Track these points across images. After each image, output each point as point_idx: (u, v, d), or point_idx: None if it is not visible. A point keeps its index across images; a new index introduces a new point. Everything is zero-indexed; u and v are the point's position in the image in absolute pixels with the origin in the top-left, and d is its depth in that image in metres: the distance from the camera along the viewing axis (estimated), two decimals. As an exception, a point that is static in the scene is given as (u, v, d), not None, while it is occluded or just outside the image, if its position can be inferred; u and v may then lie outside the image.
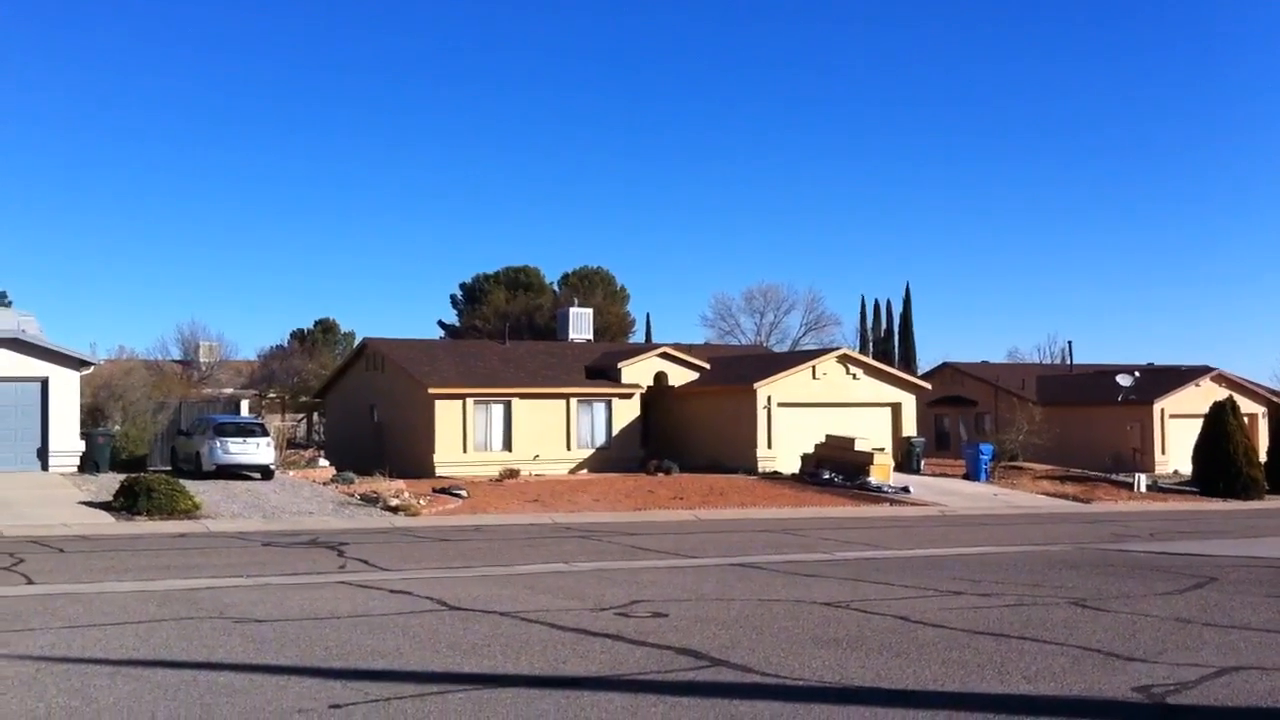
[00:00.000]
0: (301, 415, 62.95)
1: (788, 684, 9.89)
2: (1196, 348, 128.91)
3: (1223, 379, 50.46)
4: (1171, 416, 49.32)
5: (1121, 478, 43.78)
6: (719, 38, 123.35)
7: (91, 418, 37.32)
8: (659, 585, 16.48)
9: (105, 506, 27.57)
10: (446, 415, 41.05)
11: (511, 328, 56.45)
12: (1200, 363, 53.15)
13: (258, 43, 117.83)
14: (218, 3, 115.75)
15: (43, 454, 34.84)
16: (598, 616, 13.40)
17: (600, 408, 43.68)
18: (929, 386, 49.11)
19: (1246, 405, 47.93)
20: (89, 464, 34.62)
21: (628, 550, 22.17)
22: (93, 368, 37.11)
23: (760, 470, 40.79)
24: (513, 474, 38.17)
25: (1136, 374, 51.98)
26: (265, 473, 33.81)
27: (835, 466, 39.05)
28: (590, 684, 9.79)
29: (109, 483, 30.15)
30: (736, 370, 45.82)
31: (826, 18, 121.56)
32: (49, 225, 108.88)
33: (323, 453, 45.50)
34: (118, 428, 37.41)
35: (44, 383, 35.05)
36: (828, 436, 40.65)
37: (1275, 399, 52.16)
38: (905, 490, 37.14)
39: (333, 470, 37.40)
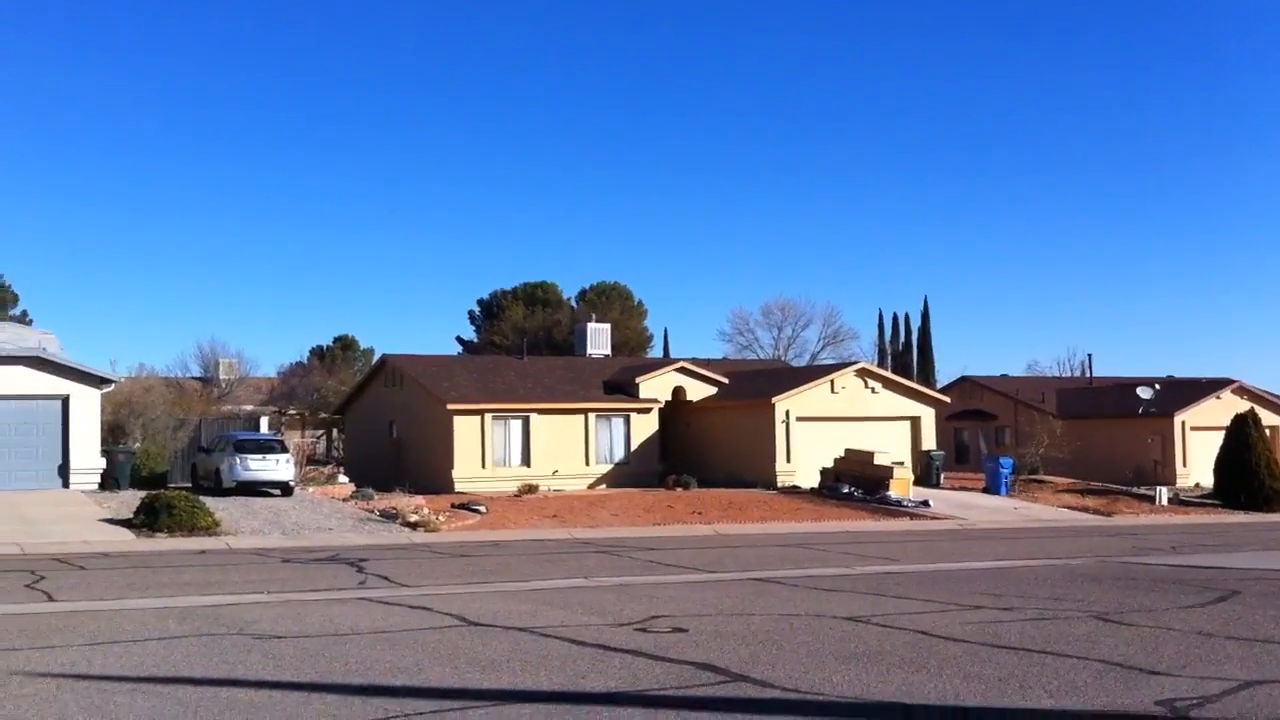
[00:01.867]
0: (321, 431, 63.12)
1: (809, 699, 9.85)
2: (1217, 360, 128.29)
3: (1244, 391, 50.21)
4: (1192, 429, 49.09)
5: (1143, 491, 43.55)
6: (736, 53, 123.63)
7: (112, 435, 37.48)
8: (678, 600, 16.45)
9: (126, 524, 27.65)
10: (465, 431, 41.10)
11: (529, 343, 56.46)
12: (1221, 375, 52.92)
13: (278, 61, 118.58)
14: (239, 20, 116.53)
15: (64, 471, 34.98)
16: (617, 632, 13.37)
17: (619, 423, 43.68)
18: (948, 400, 48.98)
19: (1268, 417, 47.65)
20: (109, 481, 34.75)
21: (647, 565, 22.14)
22: (113, 385, 37.26)
23: (779, 485, 40.71)
24: (531, 489, 38.17)
25: (1157, 386, 51.78)
26: (285, 489, 33.89)
27: (854, 481, 38.96)
28: (610, 700, 9.77)
29: (129, 500, 30.25)
30: (755, 385, 45.77)
31: (843, 32, 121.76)
32: (70, 244, 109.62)
33: (342, 469, 45.55)
34: (138, 445, 37.56)
35: (65, 400, 35.21)
36: (847, 450, 40.56)
37: (1298, 411, 51.89)
38: (925, 504, 37.02)
39: (352, 486, 37.46)
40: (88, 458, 35.13)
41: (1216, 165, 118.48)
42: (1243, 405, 45.73)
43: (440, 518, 30.89)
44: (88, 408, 35.44)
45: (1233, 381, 50.97)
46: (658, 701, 9.76)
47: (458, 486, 39.36)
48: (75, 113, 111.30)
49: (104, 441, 36.19)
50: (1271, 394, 52.30)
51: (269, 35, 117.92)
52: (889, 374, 48.65)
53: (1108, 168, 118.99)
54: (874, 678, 10.67)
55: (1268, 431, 44.53)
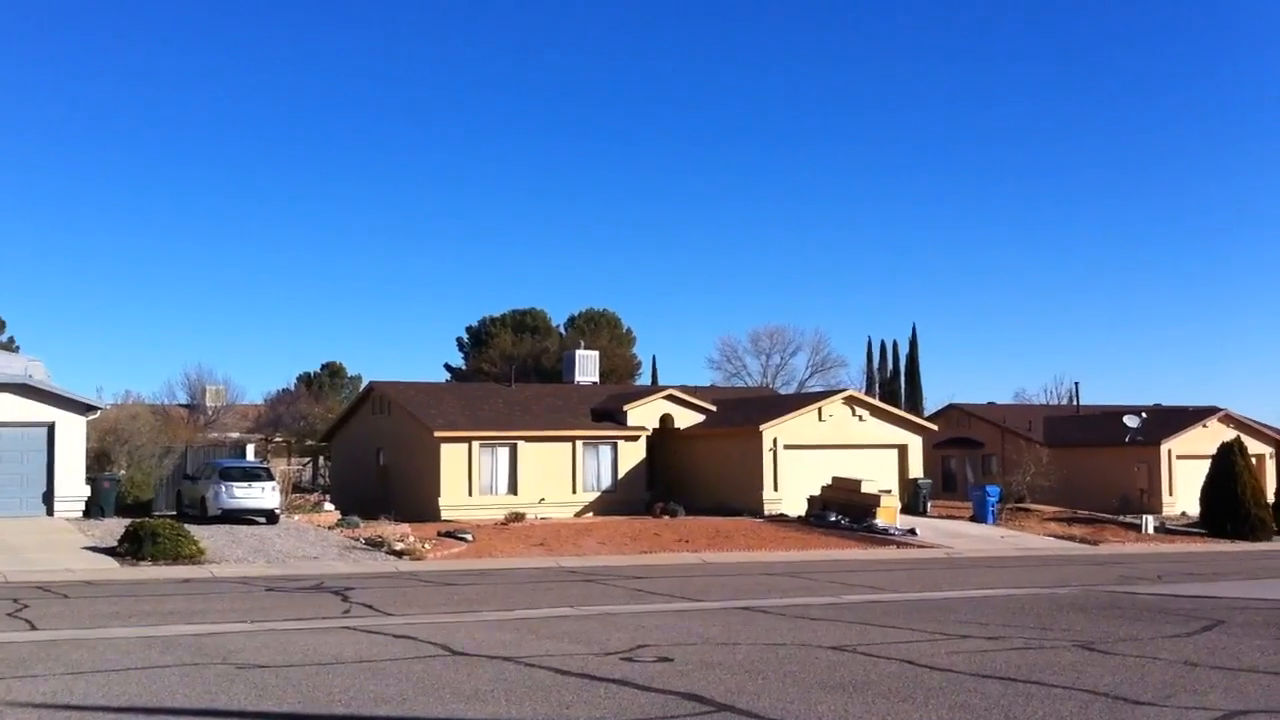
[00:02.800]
0: (307, 459, 62.95)
1: (793, 729, 9.82)
2: (1203, 388, 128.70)
3: (1230, 419, 50.34)
4: (1179, 457, 49.20)
5: (1129, 519, 43.61)
6: (722, 79, 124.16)
7: (97, 463, 37.34)
8: (664, 629, 16.42)
9: (110, 552, 27.53)
10: (452, 458, 41.02)
11: (517, 370, 56.40)
12: (1207, 403, 53.03)
13: (261, 86, 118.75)
14: (219, 45, 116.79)
15: (48, 499, 34.80)
16: (603, 661, 13.34)
17: (606, 450, 43.65)
18: (935, 428, 49.03)
19: (1254, 446, 47.79)
20: (94, 509, 34.59)
21: (633, 594, 22.09)
22: (99, 412, 37.10)
23: (766, 512, 40.70)
24: (518, 517, 38.09)
25: (1143, 415, 51.93)
26: (270, 517, 33.77)
27: (842, 508, 38.95)
28: (594, 730, 9.73)
29: (114, 528, 30.11)
30: (742, 412, 45.79)
31: (828, 58, 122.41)
32: (56, 270, 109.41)
33: (328, 497, 45.42)
34: (123, 473, 37.41)
35: (50, 428, 35.08)
36: (834, 478, 40.56)
37: (1283, 440, 52.04)
38: (912, 532, 37.01)
39: (338, 514, 37.33)
40: (73, 485, 34.97)
41: (1204, 194, 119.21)
42: (1229, 434, 45.84)
43: (426, 546, 30.80)
44: (73, 435, 35.31)
45: (1219, 410, 51.10)
46: (642, 732, 9.73)
47: (444, 514, 39.25)
48: (61, 139, 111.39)
49: (89, 469, 36.03)
50: (1257, 422, 52.46)
51: (255, 60, 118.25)
52: (877, 402, 48.70)
53: (1096, 197, 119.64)
54: (860, 708, 10.65)
55: (1254, 460, 44.67)
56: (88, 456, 36.16)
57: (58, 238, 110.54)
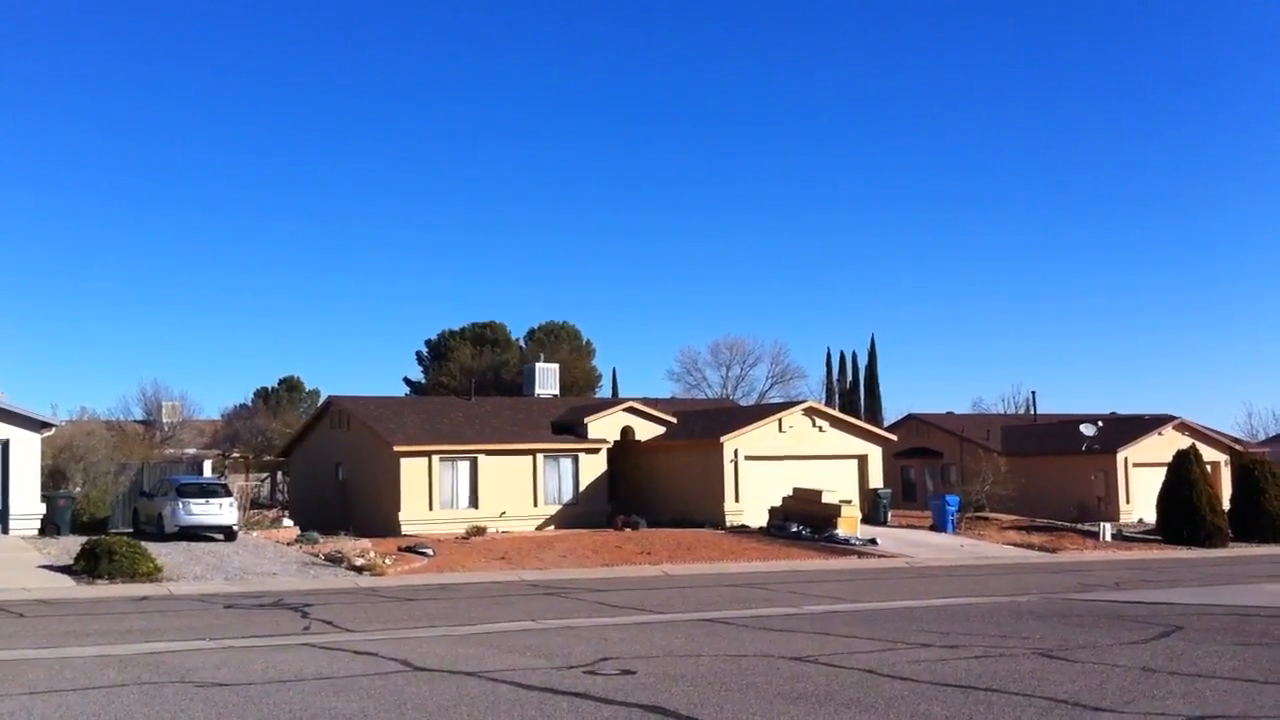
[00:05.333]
0: (265, 475, 62.49)
1: (756, 741, 9.84)
2: (1159, 397, 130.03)
3: (1185, 428, 50.84)
4: (1135, 465, 49.64)
5: (1087, 527, 43.96)
6: (682, 92, 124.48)
7: (52, 480, 36.96)
8: (627, 642, 16.40)
9: (66, 570, 27.23)
10: (412, 473, 40.84)
11: (477, 384, 56.30)
12: (1163, 412, 53.60)
13: (219, 99, 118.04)
14: (171, 58, 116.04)
15: (3, 517, 34.40)
16: (565, 675, 13.31)
17: (567, 463, 43.57)
18: (895, 438, 49.26)
19: (1209, 454, 48.29)
20: (50, 527, 34.21)
21: (595, 607, 22.06)
22: (54, 429, 36.74)
23: (728, 524, 40.75)
24: (479, 531, 37.95)
25: (1100, 423, 52.35)
26: (228, 534, 33.50)
27: (803, 519, 39.05)
28: (557, 744, 9.71)
29: (70, 546, 29.78)
30: (703, 424, 45.85)
31: (787, 71, 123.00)
32: (9, 285, 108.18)
33: (287, 512, 45.15)
34: (79, 490, 37.05)
35: (4, 445, 34.69)
36: (795, 489, 40.67)
37: (1237, 447, 52.61)
38: (873, 542, 37.14)
39: (297, 530, 37.10)
40: (27, 503, 34.58)
41: (1161, 207, 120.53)
42: (1184, 442, 46.27)
43: (387, 561, 30.63)
44: (27, 452, 34.92)
45: (1174, 418, 51.60)
46: (605, 745, 9.72)
47: (405, 529, 39.06)
48: (11, 155, 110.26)
49: (44, 486, 35.65)
50: (1213, 430, 53.02)
51: (212, 74, 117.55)
52: (836, 413, 48.87)
53: (1053, 208, 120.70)
54: (822, 718, 10.67)
55: (1209, 468, 45.11)
56: (43, 474, 35.79)
57: (9, 254, 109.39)
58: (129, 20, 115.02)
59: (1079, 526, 44.50)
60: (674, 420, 46.29)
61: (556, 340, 73.69)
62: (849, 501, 40.38)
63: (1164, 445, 47.52)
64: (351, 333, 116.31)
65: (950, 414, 61.34)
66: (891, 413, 71.23)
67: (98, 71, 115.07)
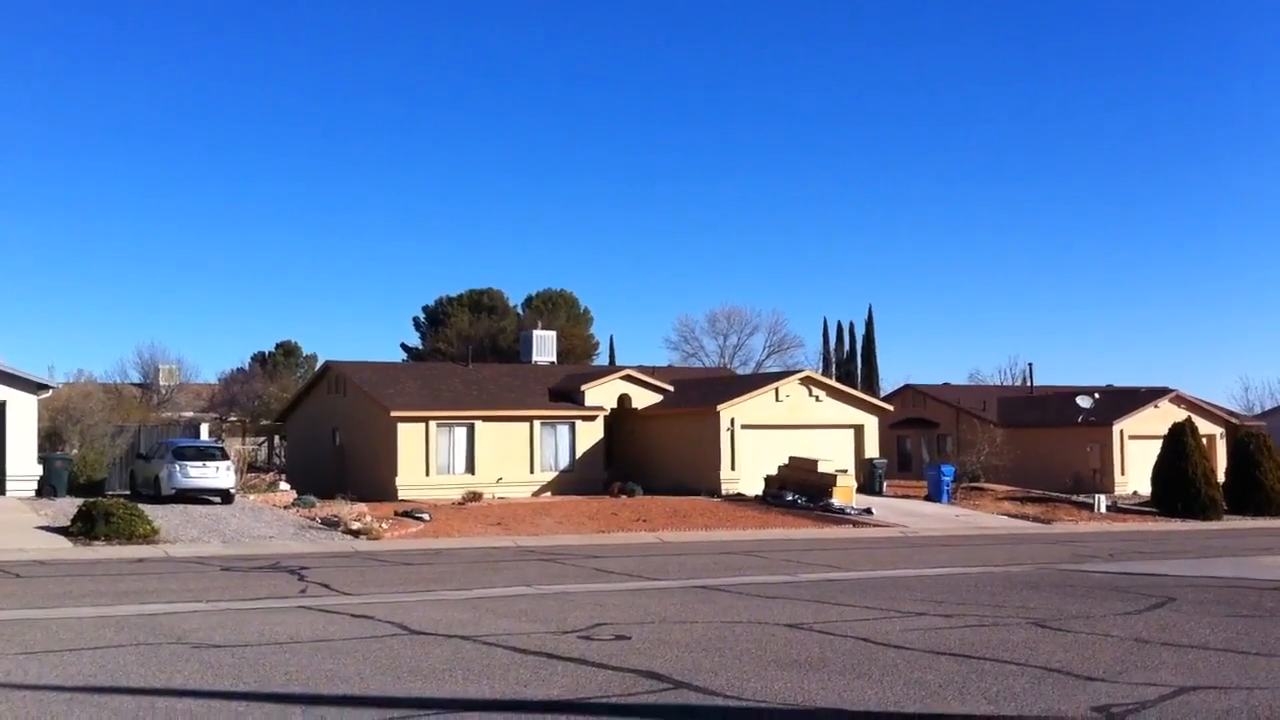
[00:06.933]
0: (262, 439, 62.57)
1: (750, 706, 9.89)
2: (1155, 370, 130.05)
3: (1181, 400, 50.90)
4: (1131, 438, 49.72)
5: (1082, 499, 44.06)
6: (682, 60, 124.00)
7: (49, 442, 36.98)
8: (622, 608, 16.45)
9: (63, 531, 27.30)
10: (409, 438, 40.88)
11: (475, 350, 56.29)
12: (1159, 384, 53.62)
13: (218, 66, 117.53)
14: (178, 25, 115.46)
15: (-1, 478, 34.47)
16: (560, 639, 13.35)
17: (564, 430, 43.62)
18: (891, 408, 49.32)
19: (1205, 426, 48.35)
20: (46, 488, 34.24)
21: (591, 573, 22.12)
22: (51, 391, 36.73)
23: (724, 492, 40.85)
24: (476, 497, 38.04)
25: (1096, 396, 52.40)
26: (225, 497, 33.55)
27: (798, 488, 39.13)
28: (552, 708, 9.76)
29: (67, 507, 29.83)
30: (700, 392, 45.88)
31: (789, 39, 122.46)
32: (6, 247, 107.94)
33: (284, 476, 45.23)
34: (76, 452, 37.07)
35: (1, 407, 34.72)
36: (791, 458, 40.74)
37: (1233, 420, 52.69)
38: (868, 512, 37.24)
39: (294, 494, 37.17)
40: (24, 465, 34.61)
41: (1159, 178, 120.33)
42: (1180, 415, 46.34)
43: (383, 525, 30.71)
44: (24, 414, 34.93)
45: (1170, 391, 51.64)
46: (600, 709, 9.77)
47: (401, 494, 39.15)
48: (9, 114, 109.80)
49: (41, 448, 35.69)
50: (1208, 403, 53.08)
51: (211, 40, 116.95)
52: (833, 382, 48.91)
53: (1050, 179, 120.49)
54: (815, 684, 10.72)
55: (1204, 441, 45.16)
56: (39, 435, 35.83)
57: (6, 215, 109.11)
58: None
59: (1074, 498, 44.60)
60: (671, 388, 46.32)
61: (554, 308, 73.68)
62: (845, 471, 40.48)
63: (1160, 418, 47.62)
64: (349, 298, 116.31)
65: (947, 385, 61.37)
66: (888, 383, 71.44)
67: (95, 37, 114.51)
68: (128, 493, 35.14)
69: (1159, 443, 43.34)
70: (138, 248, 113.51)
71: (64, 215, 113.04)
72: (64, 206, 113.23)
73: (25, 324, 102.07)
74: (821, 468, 39.38)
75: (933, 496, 42.51)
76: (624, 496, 39.23)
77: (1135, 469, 48.35)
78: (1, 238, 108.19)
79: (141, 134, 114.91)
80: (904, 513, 38.49)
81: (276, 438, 60.64)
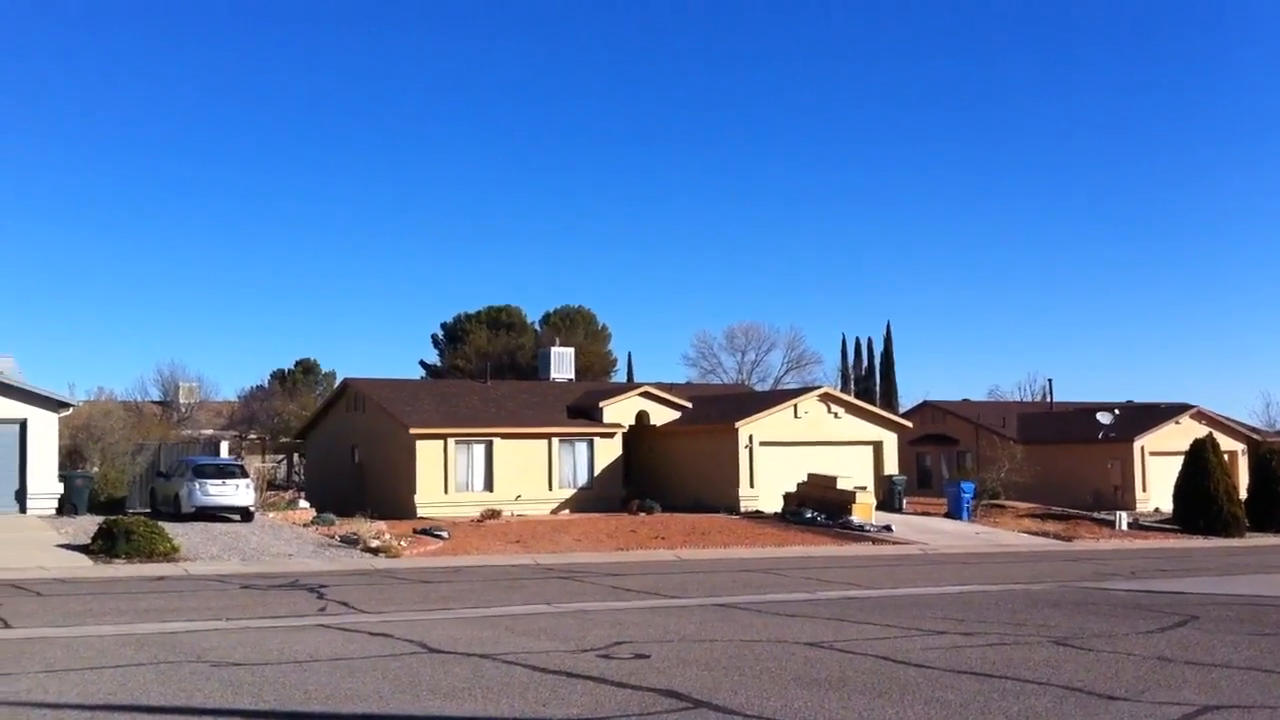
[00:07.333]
0: (282, 456, 62.71)
1: (770, 726, 9.84)
2: (1176, 385, 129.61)
3: (1202, 416, 50.64)
4: (1152, 454, 49.46)
5: (1103, 515, 43.84)
6: (698, 77, 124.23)
7: (70, 460, 37.11)
8: (641, 626, 16.41)
9: (83, 549, 27.37)
10: (428, 456, 40.92)
11: (493, 368, 56.38)
12: (1179, 400, 53.38)
13: (237, 85, 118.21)
14: (195, 46, 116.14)
15: (20, 496, 34.59)
16: (579, 658, 13.33)
17: (582, 447, 43.61)
18: (910, 425, 49.17)
19: (1226, 443, 48.09)
20: (67, 506, 34.37)
21: (609, 591, 22.09)
22: (71, 409, 36.88)
23: (742, 509, 40.76)
24: (494, 514, 38.03)
25: (1116, 412, 52.17)
26: (245, 514, 33.62)
27: (817, 505, 39.02)
28: (572, 727, 9.73)
29: (87, 525, 29.93)
30: (718, 409, 45.83)
31: (802, 56, 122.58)
32: (27, 266, 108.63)
33: (303, 494, 45.31)
34: (96, 470, 37.20)
35: (22, 424, 34.85)
36: (810, 475, 40.63)
37: (1255, 436, 52.40)
38: (887, 529, 37.12)
39: (313, 512, 37.21)
40: (45, 482, 34.75)
41: (1177, 192, 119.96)
42: (1201, 430, 46.10)
43: (402, 543, 30.73)
44: (45, 432, 35.07)
45: (1191, 407, 51.40)
46: (620, 729, 9.73)
47: (420, 511, 39.17)
48: (31, 136, 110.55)
49: (62, 466, 35.82)
50: (1230, 419, 52.80)
51: (229, 58, 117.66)
52: (851, 399, 48.81)
53: (1069, 194, 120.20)
54: (836, 704, 10.67)
55: (1226, 457, 44.93)
56: (60, 453, 35.96)
57: (28, 233, 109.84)
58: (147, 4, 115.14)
59: (1095, 515, 44.38)
60: (689, 405, 46.29)
61: (572, 324, 73.75)
62: (864, 488, 40.36)
63: (1181, 434, 47.37)
64: (368, 316, 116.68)
65: (966, 401, 61.20)
66: (907, 399, 71.22)
67: (118, 53, 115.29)
68: (148, 510, 35.24)
69: (1180, 459, 43.10)
70: (158, 265, 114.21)
71: (84, 233, 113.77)
72: (84, 224, 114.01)
73: (46, 342, 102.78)
74: (840, 485, 39.27)
75: (953, 514, 42.33)
76: (642, 514, 39.17)
77: (1156, 485, 48.06)
78: (23, 256, 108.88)
79: (161, 153, 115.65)
80: (924, 530, 38.35)
81: (296, 455, 60.77)
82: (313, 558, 28.33)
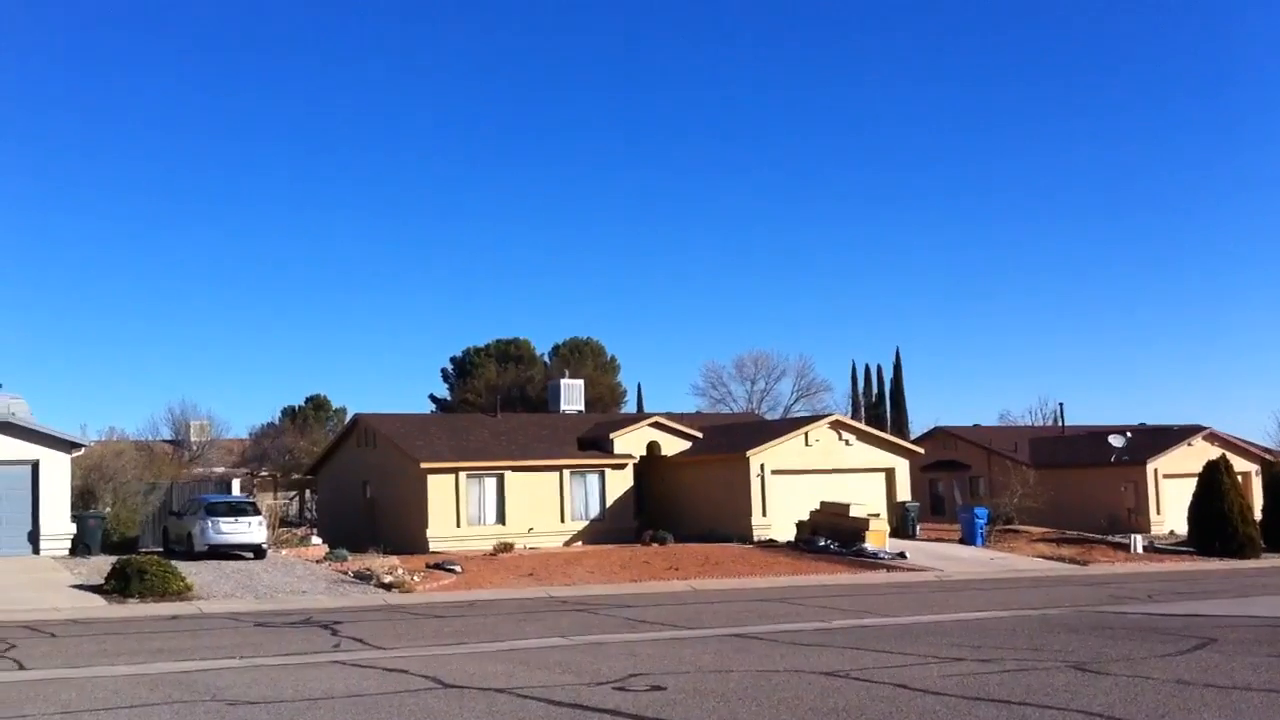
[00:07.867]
0: (293, 493, 62.69)
1: (789, 756, 9.79)
2: (1187, 407, 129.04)
3: (1215, 438, 50.46)
4: (1165, 476, 49.24)
5: (1117, 539, 43.64)
6: (704, 108, 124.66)
7: (82, 500, 37.14)
8: (656, 658, 16.36)
9: (97, 589, 27.36)
10: (439, 490, 40.90)
11: (503, 400, 56.38)
12: (1192, 422, 53.18)
13: (244, 122, 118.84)
14: (199, 82, 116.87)
15: (34, 537, 34.59)
16: (595, 691, 13.28)
17: (593, 479, 43.57)
18: (922, 451, 49.06)
19: (1239, 464, 47.89)
20: (80, 547, 34.37)
21: (624, 623, 22.02)
22: (83, 449, 36.94)
23: (755, 538, 40.65)
24: (507, 548, 37.97)
25: (1129, 434, 52.00)
26: (258, 552, 33.61)
27: (831, 533, 38.91)
28: (589, 761, 9.69)
29: (101, 565, 29.93)
30: (729, 438, 45.78)
31: (809, 82, 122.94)
32: (37, 306, 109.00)
33: (315, 530, 45.25)
34: (109, 510, 37.22)
35: (34, 466, 34.90)
36: (822, 503, 40.54)
37: (1268, 457, 52.13)
38: (901, 556, 37.00)
39: (325, 548, 37.17)
40: (58, 523, 34.76)
41: (1186, 215, 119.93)
42: (1214, 452, 45.93)
43: (415, 578, 30.68)
44: (58, 473, 35.12)
45: (1203, 428, 51.22)
46: (637, 762, 9.69)
47: (432, 546, 39.12)
48: (39, 175, 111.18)
49: (74, 506, 35.84)
50: (1243, 440, 52.60)
51: (237, 87, 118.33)
52: (862, 426, 48.73)
53: (1079, 218, 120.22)
54: (854, 733, 10.62)
55: (1240, 478, 44.74)
56: (73, 494, 35.98)
57: (38, 274, 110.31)
58: (146, 34, 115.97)
59: (1110, 538, 44.18)
60: (700, 435, 46.25)
61: (581, 356, 73.80)
62: (877, 515, 40.26)
63: (1194, 456, 47.18)
64: (377, 351, 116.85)
65: (977, 426, 61.08)
66: (918, 426, 71.15)
67: (123, 88, 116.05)
68: (161, 549, 35.23)
69: (1194, 481, 42.93)
70: (168, 305, 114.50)
71: (93, 273, 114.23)
72: (93, 263, 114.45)
73: (57, 383, 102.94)
74: (853, 512, 39.18)
75: (966, 539, 42.18)
76: (655, 545, 39.07)
77: (1171, 508, 47.83)
78: (33, 297, 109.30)
79: (169, 189, 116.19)
80: (938, 556, 38.21)
81: (307, 491, 60.77)
82: (326, 594, 28.30)
